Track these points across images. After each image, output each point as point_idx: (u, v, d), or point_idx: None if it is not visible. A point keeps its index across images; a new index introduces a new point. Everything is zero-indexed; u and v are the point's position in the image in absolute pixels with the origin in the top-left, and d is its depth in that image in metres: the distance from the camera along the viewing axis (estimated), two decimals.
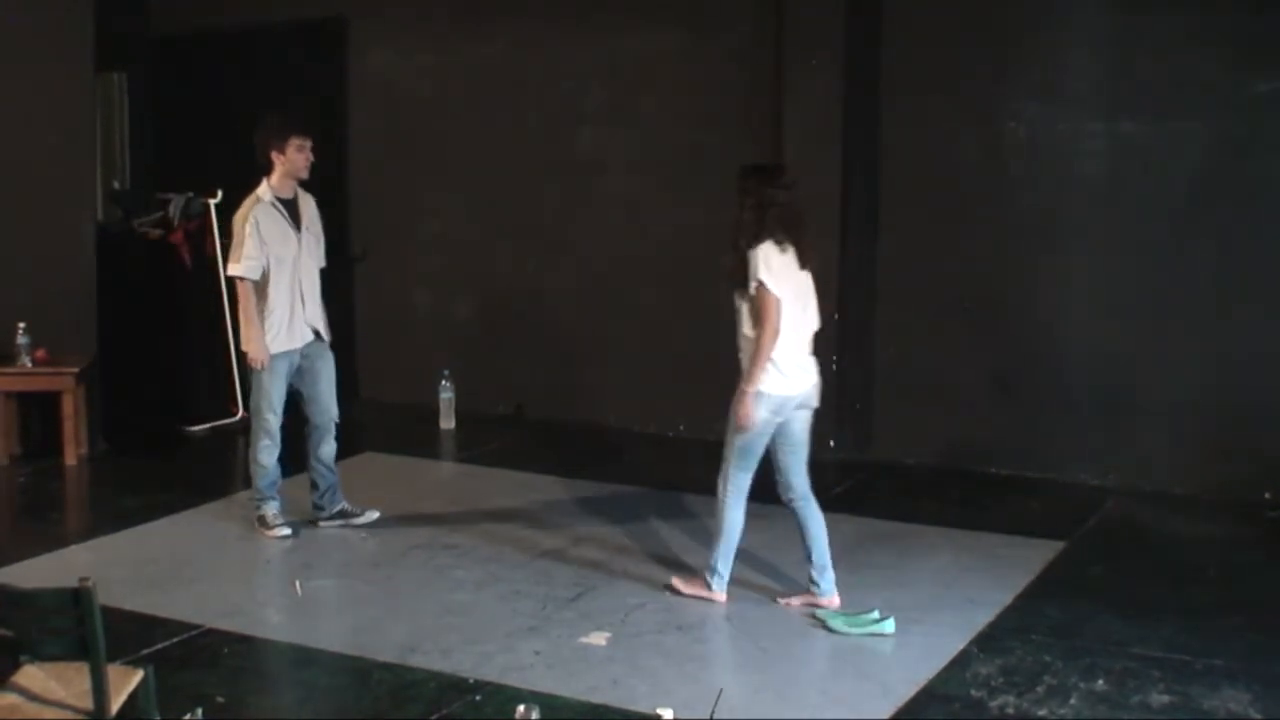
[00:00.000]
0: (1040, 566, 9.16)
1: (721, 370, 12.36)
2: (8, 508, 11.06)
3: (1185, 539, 10.04)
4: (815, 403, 8.42)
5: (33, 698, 5.33)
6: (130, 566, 9.07)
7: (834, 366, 11.69)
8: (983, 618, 8.18)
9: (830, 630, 7.94)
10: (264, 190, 9.47)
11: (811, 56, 11.62)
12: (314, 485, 9.94)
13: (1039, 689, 7.16)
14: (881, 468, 11.75)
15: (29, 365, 11.51)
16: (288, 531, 9.66)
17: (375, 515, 9.99)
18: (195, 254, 13.19)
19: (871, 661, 7.59)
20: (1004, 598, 8.52)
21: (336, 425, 9.96)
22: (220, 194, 13.01)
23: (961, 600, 8.49)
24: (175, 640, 7.78)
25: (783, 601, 8.49)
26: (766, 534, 9.18)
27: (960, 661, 7.54)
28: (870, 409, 12.06)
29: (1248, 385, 10.77)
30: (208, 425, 13.02)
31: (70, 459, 11.61)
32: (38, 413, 11.83)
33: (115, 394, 12.88)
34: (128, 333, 13.36)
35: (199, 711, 6.70)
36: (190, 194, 13.29)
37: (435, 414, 13.12)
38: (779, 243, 8.06)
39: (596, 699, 7.04)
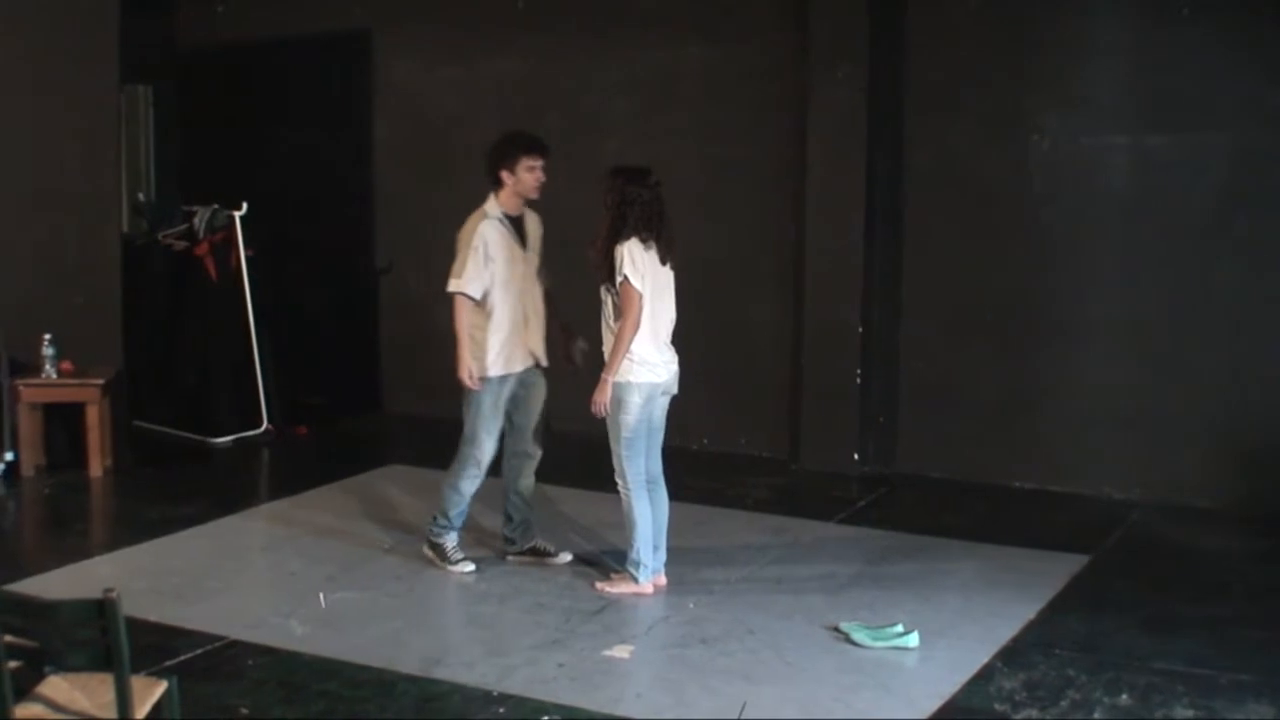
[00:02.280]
0: (1065, 580, 9.13)
1: (747, 383, 12.43)
2: (32, 519, 11.08)
3: (1210, 553, 10.00)
4: (675, 389, 8.83)
5: (57, 708, 5.34)
6: (154, 578, 9.08)
7: (858, 380, 11.70)
8: (1007, 631, 8.16)
9: (854, 643, 7.92)
10: (491, 206, 9.09)
11: (836, 69, 11.62)
12: (508, 518, 9.47)
13: (1063, 703, 7.14)
14: (905, 481, 11.73)
15: (54, 377, 11.53)
16: (471, 566, 9.22)
17: (569, 558, 9.45)
18: (220, 266, 13.18)
19: (895, 675, 7.57)
20: (1028, 611, 8.50)
21: (539, 458, 9.43)
22: (245, 206, 13.03)
23: (985, 614, 8.46)
24: (199, 652, 7.79)
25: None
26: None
27: (984, 676, 7.52)
28: (894, 422, 12.05)
29: (1273, 399, 10.74)
30: (232, 437, 13.03)
31: (95, 470, 11.62)
32: (63, 424, 11.84)
33: (140, 406, 12.94)
34: (153, 345, 13.41)
35: None
36: (215, 206, 13.31)
37: (459, 427, 13.10)
38: (643, 240, 8.46)
39: (620, 712, 7.03)
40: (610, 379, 8.49)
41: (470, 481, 9.18)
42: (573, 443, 10.12)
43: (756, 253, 12.31)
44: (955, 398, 11.77)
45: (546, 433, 9.36)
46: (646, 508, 8.71)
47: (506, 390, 9.10)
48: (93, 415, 11.56)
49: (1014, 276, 11.52)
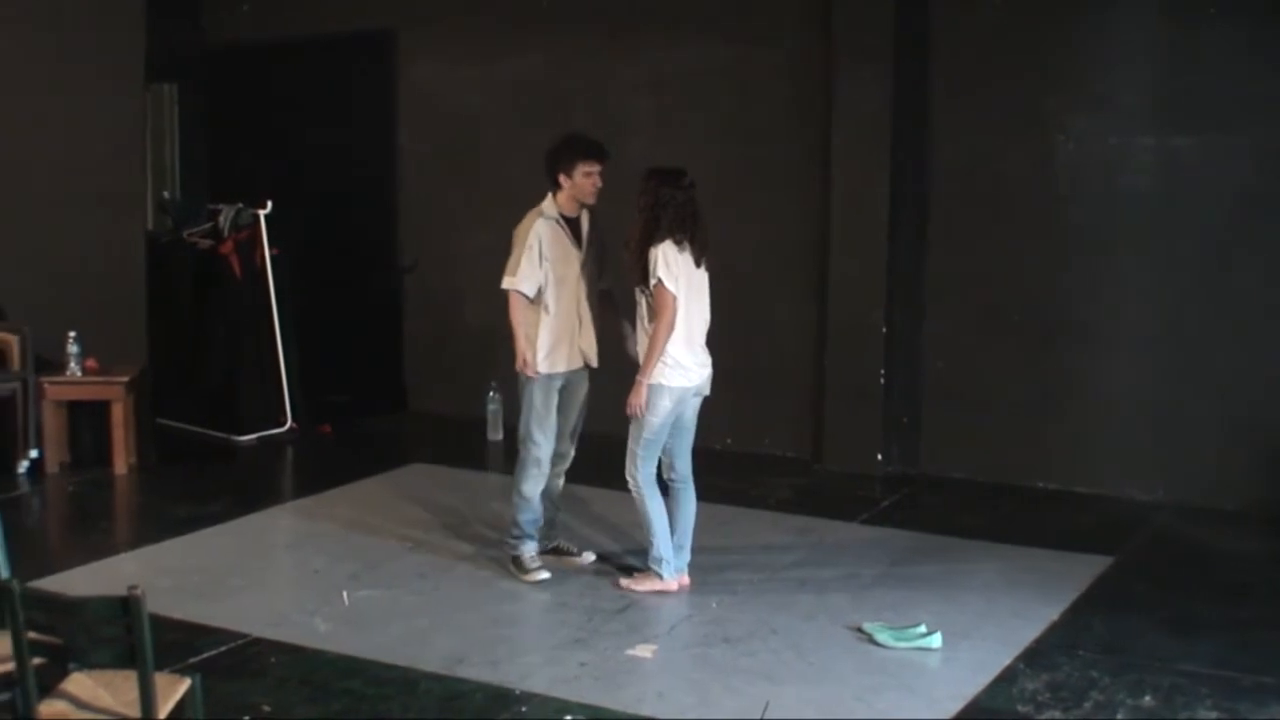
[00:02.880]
0: (1088, 582, 9.12)
1: (771, 383, 12.43)
2: (57, 516, 11.12)
3: (1234, 554, 9.98)
4: (707, 390, 8.84)
5: (81, 705, 5.36)
6: (178, 575, 9.10)
7: (882, 380, 11.69)
8: (1030, 633, 8.15)
9: (877, 644, 7.92)
10: (548, 205, 8.98)
11: (860, 69, 11.60)
12: None
13: (1086, 705, 7.14)
14: (929, 482, 11.72)
15: (79, 374, 11.56)
16: (546, 575, 9.07)
17: (592, 558, 9.44)
18: (245, 264, 13.20)
19: (918, 676, 7.57)
20: (1051, 613, 8.49)
21: (571, 460, 9.39)
22: (270, 205, 13.06)
23: (1008, 615, 8.46)
24: (223, 649, 7.81)
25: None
26: None
27: (1007, 677, 7.52)
28: (918, 423, 12.04)
29: None
30: (256, 435, 13.06)
31: (119, 468, 11.65)
32: (87, 421, 11.87)
33: (164, 404, 12.97)
34: (177, 343, 13.45)
35: None
36: (240, 205, 13.33)
37: (483, 426, 13.15)
38: (676, 242, 8.44)
39: (643, 711, 7.04)
40: (645, 381, 8.48)
41: (533, 483, 9.08)
42: (600, 443, 10.08)
43: (780, 252, 12.30)
44: (979, 398, 11.76)
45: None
46: (659, 503, 8.73)
47: (556, 388, 9.04)
48: (117, 413, 11.58)
49: (1038, 277, 11.51)
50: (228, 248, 13.25)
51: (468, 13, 13.78)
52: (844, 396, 11.93)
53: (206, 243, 13.50)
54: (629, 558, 9.36)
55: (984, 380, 11.75)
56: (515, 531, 9.16)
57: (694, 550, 8.92)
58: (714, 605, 8.59)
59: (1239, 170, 10.80)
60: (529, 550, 9.15)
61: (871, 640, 7.97)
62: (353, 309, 14.68)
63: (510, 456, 10.23)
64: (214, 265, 13.38)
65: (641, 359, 8.58)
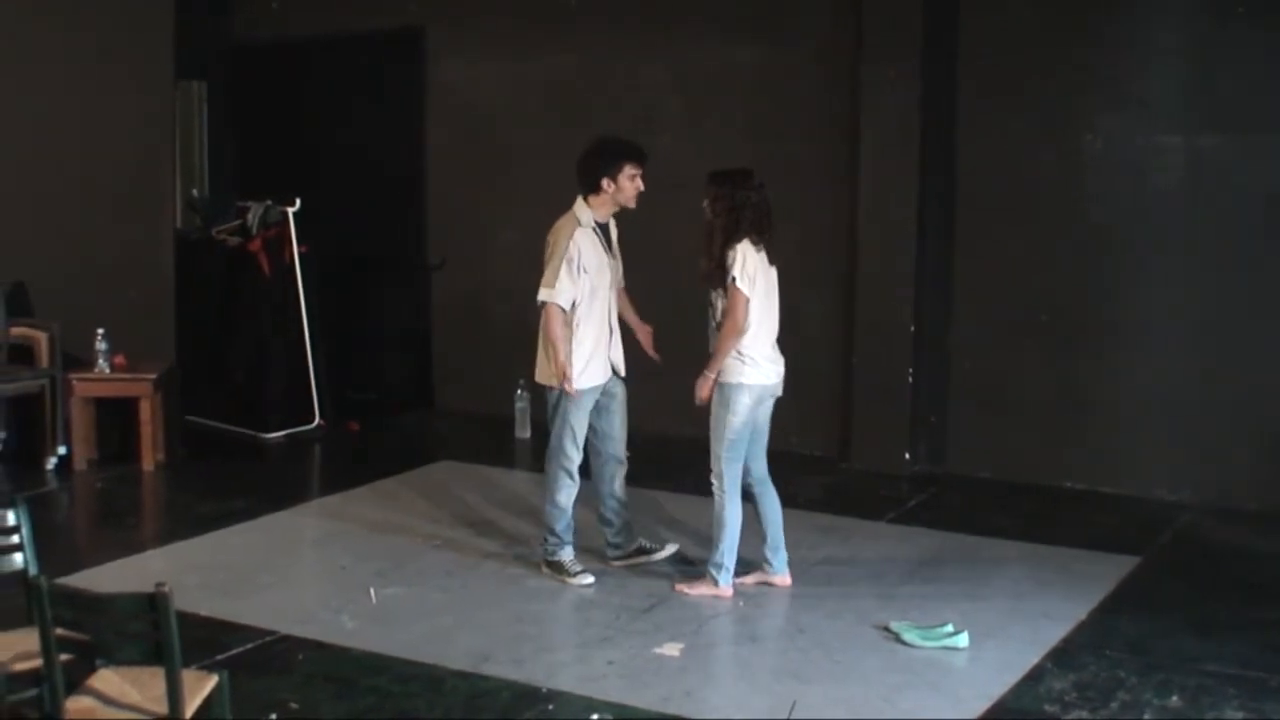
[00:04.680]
0: (1115, 582, 9.11)
1: (798, 381, 12.36)
2: (85, 512, 11.15)
3: (1261, 555, 9.95)
4: (780, 391, 8.83)
5: (108, 701, 5.37)
6: (205, 572, 9.13)
7: (910, 379, 11.68)
8: (1056, 632, 8.14)
9: (904, 643, 7.92)
10: (583, 211, 8.86)
11: (888, 69, 11.59)
12: (608, 523, 9.31)
13: (1113, 705, 7.12)
14: (956, 481, 11.71)
15: (107, 371, 11.59)
16: (590, 579, 8.99)
17: (674, 549, 9.43)
18: (273, 262, 13.22)
19: (944, 675, 7.56)
20: (1078, 613, 8.48)
21: (627, 462, 9.31)
22: (298, 202, 13.07)
23: (1035, 615, 8.44)
24: (250, 646, 7.83)
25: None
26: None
27: (1034, 676, 7.51)
28: (945, 422, 12.03)
29: None
30: (284, 432, 13.08)
31: (147, 464, 11.68)
32: (115, 418, 11.90)
33: (192, 401, 12.99)
34: (205, 340, 13.47)
35: (273, 717, 6.78)
36: (269, 202, 13.34)
37: (511, 424, 13.16)
38: (754, 242, 8.44)
39: (670, 710, 7.04)
40: (712, 375, 8.46)
41: (566, 493, 9.01)
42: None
43: (808, 251, 12.25)
44: (1006, 397, 11.74)
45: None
46: (738, 511, 8.64)
47: (589, 402, 8.95)
48: (145, 410, 11.61)
49: (1065, 276, 11.48)
50: (256, 245, 13.27)
51: (495, 11, 13.78)
52: (871, 396, 11.92)
53: (235, 240, 13.53)
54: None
55: (1011, 380, 11.73)
56: (553, 540, 9.09)
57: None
58: (740, 604, 8.59)
59: (1268, 170, 10.76)
60: (568, 554, 9.10)
61: (898, 639, 7.97)
62: (380, 306, 14.72)
63: (538, 454, 10.26)
64: (242, 263, 13.41)
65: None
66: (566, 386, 8.73)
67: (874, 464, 11.88)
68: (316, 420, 13.19)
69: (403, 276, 14.62)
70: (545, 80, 13.60)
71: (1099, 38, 11.27)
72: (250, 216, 13.44)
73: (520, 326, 13.65)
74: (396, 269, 14.64)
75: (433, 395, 14.50)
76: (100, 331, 11.51)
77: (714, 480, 8.62)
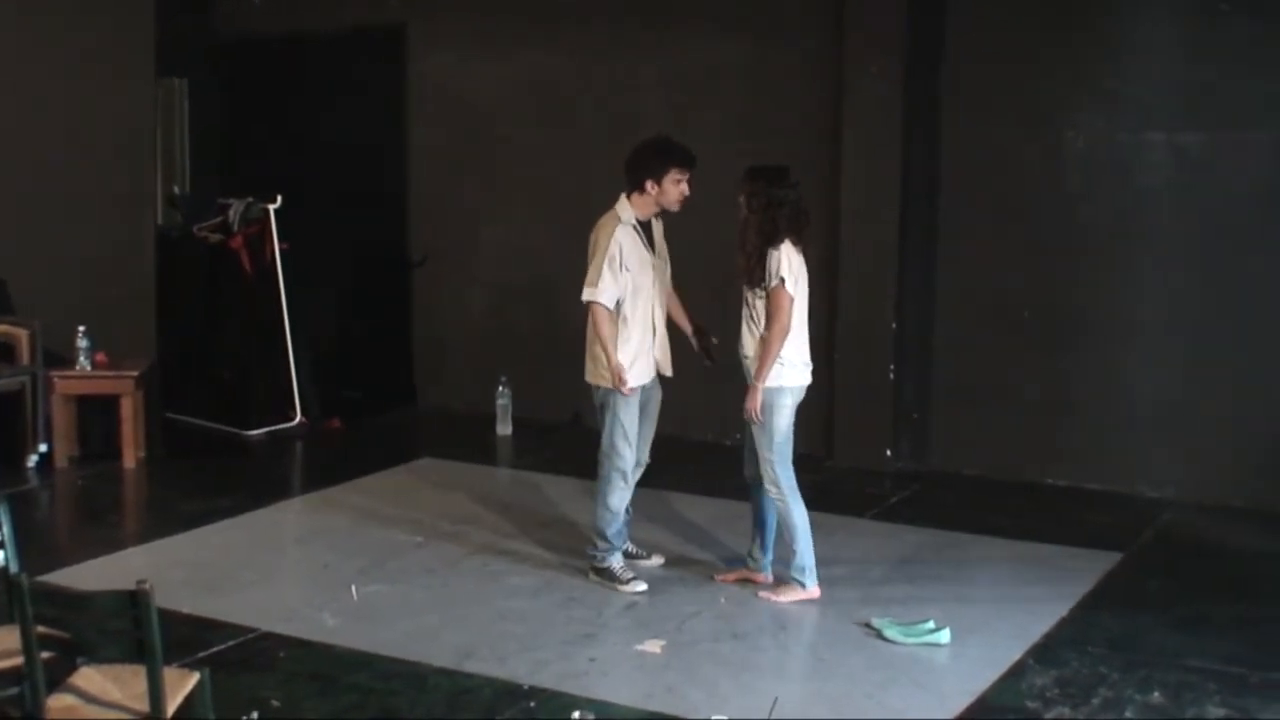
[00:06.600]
0: (1097, 578, 9.12)
1: None
2: (66, 510, 11.15)
3: (1244, 552, 9.97)
4: (802, 393, 8.75)
5: (90, 699, 5.36)
6: (187, 569, 9.12)
7: (891, 376, 11.69)
8: (1039, 628, 8.15)
9: (886, 640, 7.92)
10: (625, 210, 8.78)
11: (871, 66, 11.60)
12: None
13: (1094, 701, 7.14)
14: (939, 478, 11.71)
15: (89, 369, 11.57)
16: (643, 586, 8.80)
17: (660, 561, 9.30)
18: (255, 259, 13.20)
19: (927, 672, 7.57)
20: (1060, 609, 8.49)
21: (646, 467, 9.22)
22: (280, 199, 13.05)
23: (1018, 611, 8.46)
24: (232, 643, 7.82)
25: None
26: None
27: (1016, 672, 7.52)
28: (928, 419, 12.04)
29: None
30: (265, 430, 13.06)
31: (129, 462, 11.66)
32: (97, 416, 11.89)
33: (174, 398, 12.98)
34: (187, 337, 13.46)
35: (255, 715, 6.76)
36: (250, 199, 13.32)
37: (492, 420, 13.15)
38: (794, 242, 8.40)
39: (651, 706, 7.05)
40: (761, 385, 8.39)
41: (619, 495, 8.89)
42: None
43: None
44: (989, 395, 11.74)
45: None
46: (803, 511, 8.58)
47: (640, 400, 8.88)
48: (127, 407, 11.59)
49: (1049, 274, 11.49)
50: (237, 242, 13.26)
51: (477, 8, 13.76)
52: (854, 392, 11.92)
53: (216, 237, 13.51)
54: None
55: (994, 376, 11.73)
56: (602, 545, 8.94)
57: (705, 545, 8.91)
58: (723, 600, 8.60)
59: (1252, 166, 10.78)
60: (618, 561, 8.97)
61: (880, 636, 7.98)
62: (362, 303, 14.72)
63: (519, 451, 10.27)
64: (224, 260, 13.39)
65: (751, 359, 8.50)
66: (622, 387, 8.65)
67: (857, 461, 11.89)
68: (298, 417, 13.17)
69: (384, 272, 14.61)
70: (528, 78, 13.57)
71: (1082, 35, 11.27)
72: (231, 214, 13.41)
73: (501, 323, 13.71)
74: (377, 265, 14.63)
75: (414, 392, 14.48)
76: (81, 329, 11.49)
77: (770, 486, 8.54)
